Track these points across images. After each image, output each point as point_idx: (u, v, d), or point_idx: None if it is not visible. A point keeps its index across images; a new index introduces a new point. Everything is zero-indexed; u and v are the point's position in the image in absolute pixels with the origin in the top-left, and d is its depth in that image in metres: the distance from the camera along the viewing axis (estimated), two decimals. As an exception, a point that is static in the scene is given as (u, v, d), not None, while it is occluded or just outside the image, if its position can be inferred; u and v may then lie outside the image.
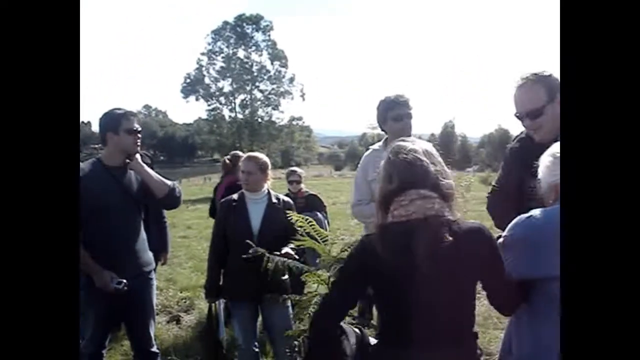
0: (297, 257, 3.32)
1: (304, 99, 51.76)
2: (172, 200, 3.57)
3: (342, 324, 2.14)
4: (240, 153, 6.37)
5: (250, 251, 3.11)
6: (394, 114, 3.66)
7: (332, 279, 2.40)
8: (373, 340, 2.15)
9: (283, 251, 3.32)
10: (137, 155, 3.41)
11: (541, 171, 2.11)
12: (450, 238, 1.85)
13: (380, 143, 3.92)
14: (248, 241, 3.22)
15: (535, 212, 2.07)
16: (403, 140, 2.08)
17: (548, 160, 2.07)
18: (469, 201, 2.30)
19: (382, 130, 3.83)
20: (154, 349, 3.64)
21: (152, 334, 3.62)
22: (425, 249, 1.84)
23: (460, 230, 1.89)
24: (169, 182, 3.51)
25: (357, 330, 2.18)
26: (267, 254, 3.14)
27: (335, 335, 2.08)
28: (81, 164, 3.48)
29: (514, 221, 2.12)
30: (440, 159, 2.03)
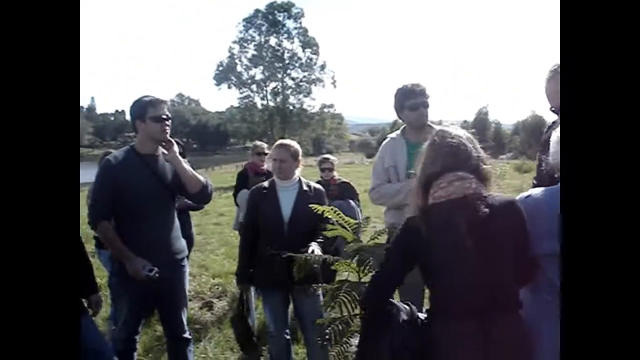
0: (325, 253, 3.31)
1: (335, 86, 51.60)
2: (204, 196, 3.59)
3: (392, 300, 2.26)
4: (258, 143, 6.43)
5: (280, 254, 3.14)
6: (410, 102, 3.63)
7: (380, 259, 2.49)
8: (423, 316, 2.25)
9: (310, 250, 3.32)
10: (176, 148, 3.41)
11: (551, 147, 2.13)
12: (487, 210, 1.98)
13: (398, 132, 3.87)
14: (273, 251, 3.25)
15: (534, 191, 2.19)
16: (446, 127, 2.21)
17: (555, 137, 2.10)
18: (503, 189, 2.29)
19: (400, 118, 3.80)
20: (187, 334, 3.68)
21: (184, 320, 3.65)
22: (465, 224, 1.97)
23: (495, 203, 2.03)
24: (202, 179, 3.51)
25: (407, 306, 2.27)
26: (294, 255, 3.15)
27: (385, 310, 2.19)
28: (115, 152, 3.52)
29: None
30: (479, 145, 2.15)
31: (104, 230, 3.29)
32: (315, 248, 3.38)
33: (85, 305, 3.16)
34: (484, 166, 2.11)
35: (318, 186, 3.90)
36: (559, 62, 2.39)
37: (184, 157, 3.53)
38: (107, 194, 3.31)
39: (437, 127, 3.53)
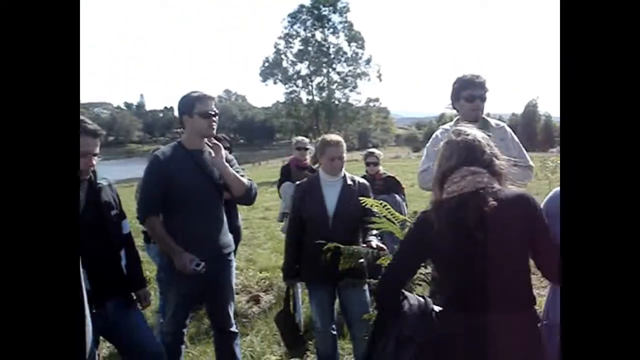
0: (382, 247, 3.28)
1: (380, 80, 51.32)
2: (248, 199, 3.60)
3: (405, 291, 2.35)
4: (299, 138, 6.47)
5: (324, 247, 3.13)
6: (468, 93, 3.52)
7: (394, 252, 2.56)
8: (437, 308, 2.30)
9: (373, 243, 3.29)
10: (222, 152, 3.42)
11: None
12: (495, 203, 2.02)
13: (451, 123, 3.79)
14: (320, 241, 3.23)
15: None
16: (461, 126, 2.30)
17: None
18: (554, 183, 2.26)
19: (454, 108, 3.70)
20: (233, 328, 3.71)
21: (231, 314, 3.68)
22: (475, 217, 2.03)
23: (505, 197, 2.07)
24: (246, 182, 3.52)
25: (420, 297, 2.34)
26: (341, 247, 3.13)
27: (396, 301, 2.28)
28: (162, 148, 3.57)
29: None
30: (493, 143, 2.24)
31: (152, 225, 3.34)
32: (374, 241, 3.35)
33: (134, 299, 3.22)
34: (497, 161, 2.18)
35: (362, 180, 3.87)
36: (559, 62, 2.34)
37: (230, 152, 3.55)
38: (155, 189, 3.35)
39: (492, 122, 3.45)
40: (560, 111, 1.63)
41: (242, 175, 3.53)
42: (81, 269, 2.40)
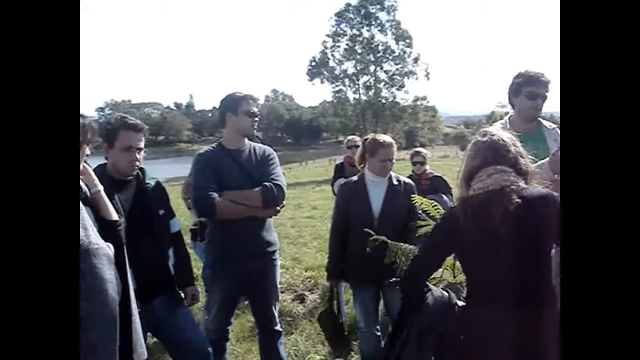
0: None
1: (428, 79, 50.64)
2: (273, 205, 3.51)
3: (429, 285, 2.45)
4: (351, 137, 6.51)
5: (370, 239, 3.09)
6: (530, 90, 3.32)
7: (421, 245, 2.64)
8: (460, 303, 2.39)
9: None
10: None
11: None
12: (519, 201, 2.08)
13: (503, 120, 3.64)
14: (367, 230, 3.19)
15: None
16: (488, 127, 2.37)
17: None
18: None
19: (511, 104, 3.53)
20: (278, 327, 3.72)
21: (275, 313, 3.69)
22: (500, 214, 2.09)
23: (530, 195, 2.13)
24: (255, 194, 3.41)
25: (444, 291, 2.41)
26: (389, 241, 3.09)
27: (420, 292, 2.37)
28: (205, 147, 3.62)
29: None
30: (519, 144, 2.28)
31: (223, 206, 3.29)
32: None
33: (182, 296, 3.26)
34: (523, 160, 2.24)
35: (408, 180, 3.83)
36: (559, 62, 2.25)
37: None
38: (210, 177, 3.35)
39: (545, 123, 3.33)
40: (560, 112, 1.60)
41: (277, 176, 3.52)
42: (128, 268, 2.45)
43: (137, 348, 2.39)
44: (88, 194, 2.38)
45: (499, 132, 2.32)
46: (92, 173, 2.48)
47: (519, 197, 2.11)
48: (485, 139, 2.29)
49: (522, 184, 2.18)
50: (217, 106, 3.67)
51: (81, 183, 2.35)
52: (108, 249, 2.17)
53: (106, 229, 2.34)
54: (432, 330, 2.24)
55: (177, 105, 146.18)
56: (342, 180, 5.31)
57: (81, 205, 2.22)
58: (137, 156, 2.93)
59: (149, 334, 3.10)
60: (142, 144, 2.96)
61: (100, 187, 2.45)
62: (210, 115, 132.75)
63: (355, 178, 3.83)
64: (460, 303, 2.39)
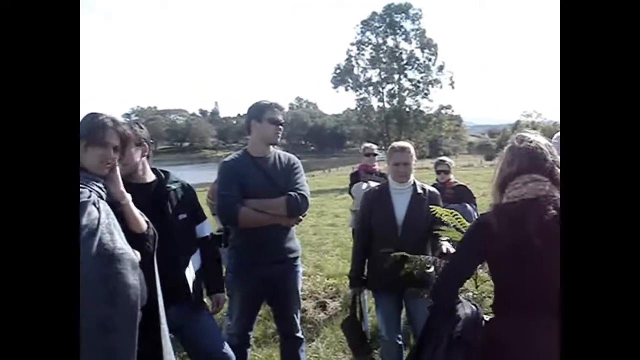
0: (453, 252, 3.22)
1: (453, 87, 50.41)
2: (297, 214, 3.53)
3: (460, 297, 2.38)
4: (367, 144, 6.52)
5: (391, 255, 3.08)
6: None
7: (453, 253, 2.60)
8: (487, 317, 2.34)
9: (444, 247, 3.24)
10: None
11: None
12: (555, 212, 2.01)
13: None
14: (387, 250, 3.17)
15: None
16: (525, 132, 2.28)
17: None
18: None
19: None
20: (299, 334, 3.72)
21: (297, 320, 3.69)
22: (535, 224, 2.03)
23: None
24: (281, 203, 3.44)
25: (473, 305, 2.34)
26: (409, 256, 3.08)
27: (453, 301, 2.30)
28: (231, 155, 3.66)
29: None
30: (556, 152, 2.19)
31: (245, 214, 3.34)
32: (445, 245, 3.30)
33: (203, 303, 3.26)
34: (559, 171, 2.15)
35: (433, 189, 3.82)
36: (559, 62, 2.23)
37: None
38: (234, 185, 3.39)
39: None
40: (560, 113, 1.60)
41: (302, 185, 3.53)
42: (157, 274, 2.48)
43: (165, 356, 2.42)
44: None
45: (537, 137, 2.25)
46: (121, 183, 2.48)
47: (554, 208, 2.04)
48: (522, 145, 2.22)
49: (557, 194, 2.10)
50: (241, 113, 3.72)
51: (107, 191, 2.37)
52: (133, 254, 2.20)
53: (134, 239, 2.35)
54: (462, 341, 2.18)
55: (203, 112, 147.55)
56: (363, 186, 5.32)
57: (109, 209, 2.25)
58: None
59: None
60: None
61: (129, 199, 2.45)
62: (234, 122, 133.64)
63: (378, 186, 3.83)
64: (487, 317, 2.34)
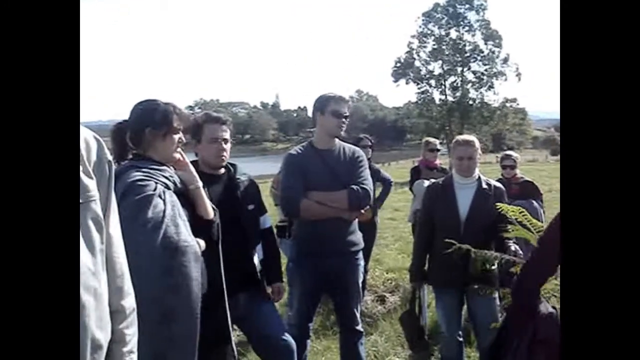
0: (520, 252, 3.16)
1: (519, 80, 49.09)
2: (358, 208, 3.53)
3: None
4: (430, 139, 6.47)
5: (455, 248, 3.03)
6: None
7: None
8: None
9: (512, 247, 3.18)
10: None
11: None
12: None
13: None
14: (451, 240, 3.11)
15: None
16: None
17: None
18: None
19: None
20: (359, 327, 3.71)
21: (356, 313, 3.69)
22: None
23: None
24: (343, 196, 3.44)
25: (552, 308, 2.27)
26: (473, 250, 3.02)
27: (534, 301, 2.24)
28: (296, 147, 3.71)
29: None
30: None
31: (307, 206, 3.39)
32: (513, 246, 3.24)
33: (267, 292, 3.31)
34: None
35: (498, 184, 3.72)
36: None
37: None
38: (298, 178, 3.44)
39: None
40: (560, 111, 1.55)
41: (364, 179, 3.52)
42: (221, 261, 2.53)
43: (231, 338, 2.49)
44: (183, 187, 2.46)
45: None
46: (192, 168, 2.56)
47: None
48: None
49: None
50: (302, 106, 3.75)
51: (177, 177, 2.44)
52: (197, 246, 2.25)
53: (201, 226, 2.41)
54: (544, 343, 2.13)
55: (264, 105, 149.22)
56: (425, 184, 5.27)
57: (175, 199, 2.31)
58: (224, 146, 3.03)
59: (234, 327, 3.18)
60: (227, 135, 3.05)
61: (200, 184, 2.53)
62: (295, 115, 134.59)
63: (441, 181, 3.77)
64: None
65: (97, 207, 1.40)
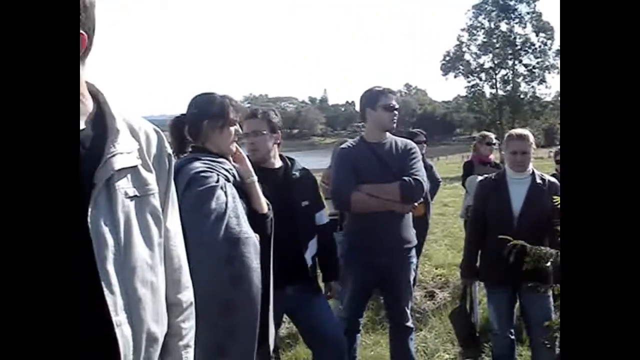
0: None
1: (572, 72, 47.57)
2: (410, 200, 3.50)
3: None
4: (486, 133, 6.39)
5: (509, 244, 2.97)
6: None
7: None
8: None
9: None
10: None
11: None
12: None
13: None
14: (505, 236, 3.05)
15: None
16: None
17: None
18: None
19: None
20: (409, 323, 3.69)
21: (407, 309, 3.67)
22: None
23: None
24: (394, 188, 3.42)
25: None
26: (528, 245, 2.96)
27: None
28: (348, 141, 3.71)
29: None
30: None
31: (358, 199, 3.38)
32: None
33: (318, 286, 3.33)
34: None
35: (553, 179, 3.63)
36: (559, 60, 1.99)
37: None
38: (349, 171, 3.44)
39: None
40: (560, 110, 1.51)
41: (417, 171, 3.48)
42: (272, 256, 2.55)
43: (270, 336, 2.51)
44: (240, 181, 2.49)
45: None
46: (248, 162, 2.59)
47: None
48: None
49: None
50: (350, 100, 3.76)
51: (235, 171, 2.47)
52: (256, 238, 2.28)
53: (255, 220, 2.44)
54: None
55: (312, 100, 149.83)
56: (478, 179, 5.20)
57: (235, 192, 2.34)
58: (247, 140, 2.99)
59: (285, 319, 3.22)
60: (254, 128, 3.01)
61: (255, 178, 2.55)
62: (343, 109, 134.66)
63: (494, 175, 3.71)
64: None
65: (155, 200, 1.41)
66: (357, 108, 3.71)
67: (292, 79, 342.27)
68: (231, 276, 2.16)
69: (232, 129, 2.48)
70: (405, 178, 3.40)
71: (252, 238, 2.23)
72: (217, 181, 2.26)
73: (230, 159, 2.51)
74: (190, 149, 2.48)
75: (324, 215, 3.36)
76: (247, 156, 2.93)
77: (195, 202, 2.15)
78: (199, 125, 2.44)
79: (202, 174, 2.25)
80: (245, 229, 2.22)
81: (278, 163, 3.15)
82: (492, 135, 6.45)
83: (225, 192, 2.25)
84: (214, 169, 2.30)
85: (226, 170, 2.37)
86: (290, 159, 3.22)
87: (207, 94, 2.52)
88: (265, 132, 3.02)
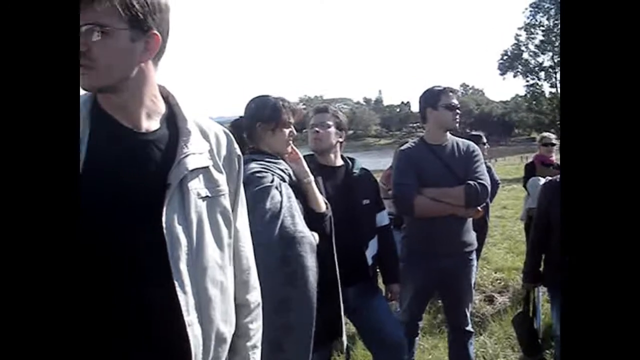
0: None
1: (638, 70, 45.85)
2: (475, 204, 3.42)
3: None
4: (545, 134, 6.27)
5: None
6: None
7: None
8: None
9: None
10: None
11: None
12: None
13: None
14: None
15: None
16: None
17: None
18: None
19: None
20: (469, 327, 3.64)
21: (467, 314, 3.62)
22: None
23: None
24: (459, 192, 3.36)
25: None
26: None
27: None
28: (408, 143, 3.68)
29: None
30: None
31: (422, 204, 3.32)
32: None
33: (379, 287, 3.33)
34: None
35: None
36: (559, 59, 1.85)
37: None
38: (411, 174, 3.38)
39: None
40: (560, 109, 1.46)
41: (481, 174, 3.41)
42: (335, 254, 2.56)
43: (342, 330, 2.52)
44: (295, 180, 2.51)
45: None
46: (304, 162, 2.61)
47: None
48: None
49: None
50: (405, 101, 3.72)
51: (291, 171, 2.50)
52: (312, 237, 2.29)
53: (313, 219, 2.46)
54: None
55: (367, 100, 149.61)
56: (541, 181, 5.07)
57: (290, 192, 2.37)
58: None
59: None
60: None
61: (312, 178, 2.57)
62: (398, 110, 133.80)
63: (558, 178, 3.61)
64: None
65: (226, 201, 1.43)
66: (414, 109, 3.69)
67: (347, 79, 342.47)
68: (287, 275, 2.18)
69: (286, 130, 2.51)
70: (470, 182, 3.34)
71: (307, 237, 2.24)
72: (272, 181, 2.28)
73: (287, 158, 2.54)
74: (248, 151, 2.52)
75: (385, 216, 3.33)
76: (311, 155, 2.96)
77: (251, 202, 2.18)
78: (253, 128, 2.49)
79: (257, 174, 2.28)
80: (300, 227, 2.24)
81: (339, 162, 3.16)
82: (551, 136, 6.29)
83: (280, 192, 2.28)
84: (269, 169, 2.33)
85: (281, 170, 2.41)
86: (350, 158, 3.23)
87: (262, 97, 2.56)
88: (331, 125, 3.05)
